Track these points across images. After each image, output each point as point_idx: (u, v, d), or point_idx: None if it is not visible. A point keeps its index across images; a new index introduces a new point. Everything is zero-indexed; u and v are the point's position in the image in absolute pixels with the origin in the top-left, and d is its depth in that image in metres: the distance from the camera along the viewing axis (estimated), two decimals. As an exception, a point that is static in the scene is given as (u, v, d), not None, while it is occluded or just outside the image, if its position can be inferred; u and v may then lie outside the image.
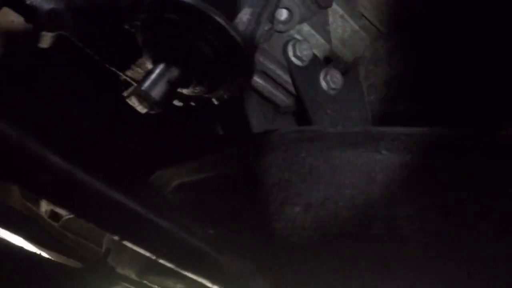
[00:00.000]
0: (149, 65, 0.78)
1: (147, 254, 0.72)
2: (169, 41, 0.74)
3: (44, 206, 1.85)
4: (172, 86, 0.71)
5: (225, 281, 0.76)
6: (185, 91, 0.77)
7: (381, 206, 0.89)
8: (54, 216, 1.85)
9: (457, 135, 0.85)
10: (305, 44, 1.12)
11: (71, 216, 1.80)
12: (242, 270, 0.78)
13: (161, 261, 0.73)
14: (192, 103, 1.11)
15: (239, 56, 0.73)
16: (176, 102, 1.07)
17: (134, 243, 0.71)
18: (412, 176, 0.88)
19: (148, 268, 1.29)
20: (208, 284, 0.78)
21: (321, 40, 1.16)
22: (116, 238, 0.70)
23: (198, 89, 0.77)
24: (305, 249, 0.90)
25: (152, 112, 1.05)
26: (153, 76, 0.71)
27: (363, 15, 1.21)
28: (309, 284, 0.88)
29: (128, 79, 1.10)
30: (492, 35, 1.13)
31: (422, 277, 0.87)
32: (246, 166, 1.04)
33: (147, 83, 0.70)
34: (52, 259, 1.34)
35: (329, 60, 1.19)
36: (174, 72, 0.72)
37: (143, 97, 0.70)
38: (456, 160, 0.86)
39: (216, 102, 0.81)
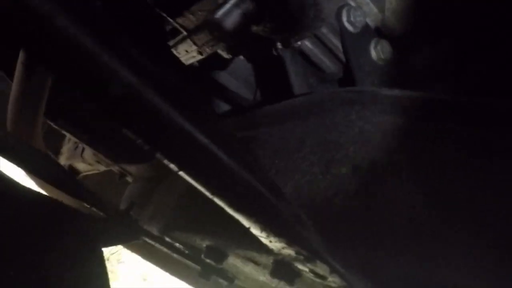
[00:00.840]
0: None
1: (203, 189, 0.70)
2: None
3: (63, 161, 1.83)
4: (246, 18, 0.69)
5: (276, 227, 0.74)
6: (255, 28, 0.74)
7: (432, 175, 0.87)
8: (72, 171, 1.83)
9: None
10: (359, 11, 1.10)
11: (89, 173, 1.78)
12: (295, 217, 0.75)
13: (216, 199, 0.71)
14: (242, 56, 1.09)
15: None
16: (225, 54, 1.05)
17: (190, 175, 0.68)
18: (470, 149, 0.86)
19: (172, 224, 1.28)
20: (256, 229, 0.76)
21: (375, 10, 1.14)
22: (173, 167, 0.68)
23: (268, 27, 0.74)
24: (348, 210, 0.89)
25: (199, 59, 1.04)
26: (228, 6, 0.69)
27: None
28: (352, 244, 0.86)
29: (178, 26, 1.08)
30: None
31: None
32: (290, 125, 1.02)
33: (221, 12, 0.68)
34: (75, 207, 1.32)
35: (379, 31, 1.17)
36: (249, 5, 0.70)
37: (216, 25, 0.67)
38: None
39: (280, 47, 0.79)
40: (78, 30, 0.57)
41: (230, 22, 0.68)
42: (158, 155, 0.66)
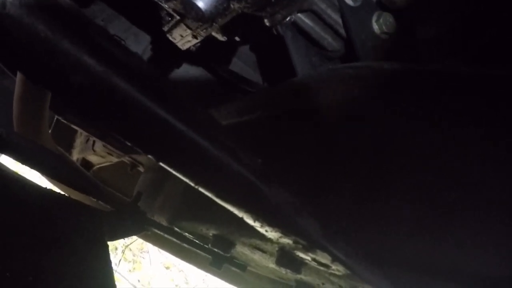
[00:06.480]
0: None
1: (185, 179, 0.67)
2: None
3: (76, 154, 1.82)
4: (224, -4, 0.64)
5: (269, 216, 0.70)
6: (237, 5, 0.69)
7: (433, 145, 0.81)
8: (86, 164, 1.82)
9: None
10: (359, -17, 1.04)
11: (103, 164, 1.77)
12: (289, 205, 0.71)
13: (200, 188, 0.67)
14: (237, 38, 1.05)
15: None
16: (220, 37, 1.01)
17: (171, 165, 0.65)
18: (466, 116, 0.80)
19: (180, 214, 1.25)
20: (249, 219, 0.72)
21: (376, -19, 1.08)
22: (151, 157, 0.64)
23: (249, 3, 0.69)
24: (351, 194, 0.84)
25: (195, 43, 0.99)
26: (203, -16, 0.65)
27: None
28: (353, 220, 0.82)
29: (170, 11, 1.03)
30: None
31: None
32: (292, 109, 0.97)
33: (196, -9, 0.63)
34: (82, 201, 1.30)
35: (381, 4, 1.11)
36: (226, -19, 0.65)
37: (190, 6, 0.63)
38: None
39: (268, 23, 0.74)
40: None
41: (206, 1, 0.63)
42: (134, 147, 0.62)
